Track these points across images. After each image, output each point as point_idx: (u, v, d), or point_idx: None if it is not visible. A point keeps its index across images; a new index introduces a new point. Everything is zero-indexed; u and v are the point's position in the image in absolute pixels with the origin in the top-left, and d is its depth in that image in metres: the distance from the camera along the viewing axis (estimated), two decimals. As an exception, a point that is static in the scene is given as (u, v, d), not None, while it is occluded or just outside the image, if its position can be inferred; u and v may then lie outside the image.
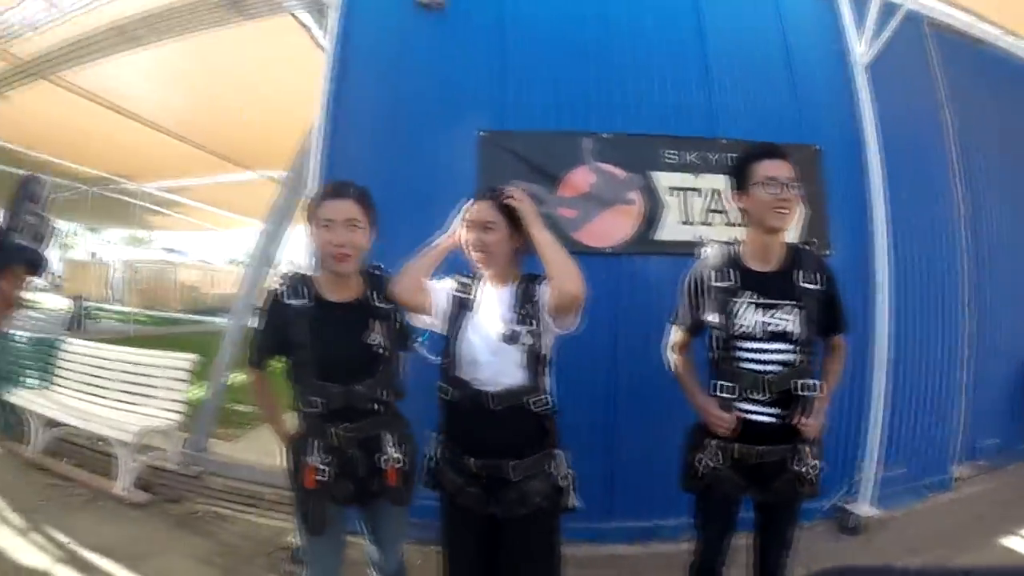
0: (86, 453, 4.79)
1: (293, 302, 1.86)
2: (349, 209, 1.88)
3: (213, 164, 9.87)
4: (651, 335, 2.55)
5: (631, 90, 3.63)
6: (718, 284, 2.05)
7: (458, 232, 2.05)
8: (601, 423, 3.37)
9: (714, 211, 3.53)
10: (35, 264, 0.93)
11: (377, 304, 1.96)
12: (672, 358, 2.29)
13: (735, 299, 2.01)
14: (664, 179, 3.50)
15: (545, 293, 1.90)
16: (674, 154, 3.54)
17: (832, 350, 2.16)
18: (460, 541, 2.01)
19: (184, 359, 4.58)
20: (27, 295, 0.97)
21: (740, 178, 2.06)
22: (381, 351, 1.92)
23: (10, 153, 9.28)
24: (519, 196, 1.96)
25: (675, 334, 2.27)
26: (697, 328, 2.17)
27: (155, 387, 4.65)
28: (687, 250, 3.25)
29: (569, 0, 3.80)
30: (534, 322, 1.89)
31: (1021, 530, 3.43)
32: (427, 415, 2.07)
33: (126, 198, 13.52)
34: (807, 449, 1.99)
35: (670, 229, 3.48)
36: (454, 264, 2.12)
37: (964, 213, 4.27)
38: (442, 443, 2.01)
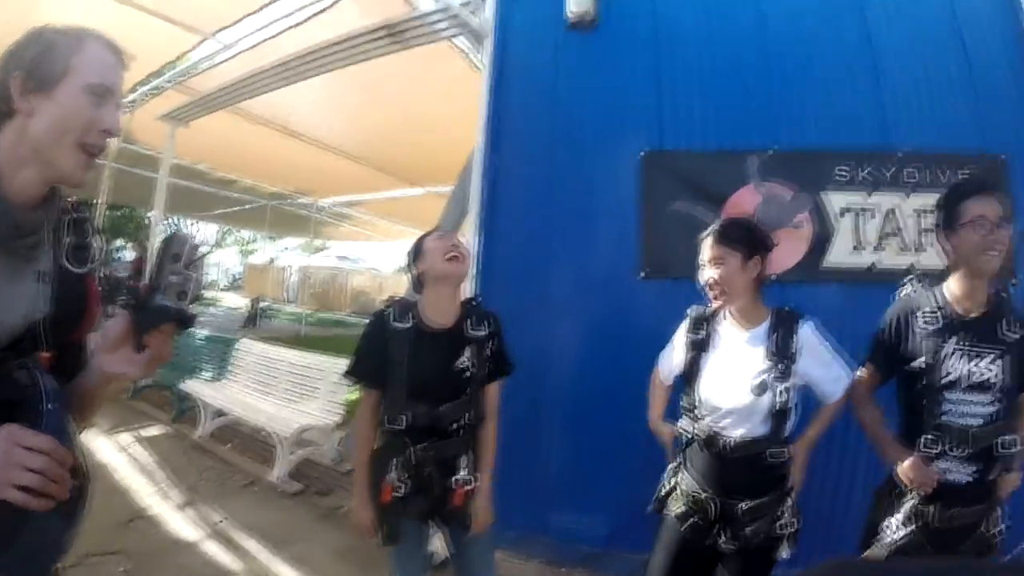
0: (249, 442, 5.25)
1: (398, 324, 1.97)
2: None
3: (383, 181, 10.63)
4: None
5: (795, 102, 3.37)
6: (926, 327, 1.85)
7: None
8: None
9: (888, 234, 3.17)
10: (180, 321, 0.99)
11: (470, 332, 2.01)
12: (859, 404, 2.06)
13: (944, 345, 1.81)
14: (835, 199, 3.21)
15: (805, 343, 1.87)
16: (845, 171, 3.23)
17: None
18: (668, 565, 2.00)
19: (347, 364, 4.85)
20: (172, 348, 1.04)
21: (947, 217, 1.86)
22: (468, 375, 1.98)
23: (196, 172, 10.59)
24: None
25: (864, 376, 2.04)
26: (891, 373, 1.98)
27: (317, 388, 5.03)
28: (859, 278, 3.12)
29: (725, 10, 3.59)
30: (789, 376, 1.84)
31: None
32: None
33: (303, 211, 14.85)
34: (998, 511, 1.81)
35: (841, 255, 3.18)
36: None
37: None
38: (678, 472, 2.03)
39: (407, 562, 2.06)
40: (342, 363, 4.76)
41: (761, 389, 1.82)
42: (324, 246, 30.72)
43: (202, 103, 6.53)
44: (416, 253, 2.07)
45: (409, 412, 1.91)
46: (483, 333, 2.02)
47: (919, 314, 1.87)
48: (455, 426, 1.95)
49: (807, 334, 1.89)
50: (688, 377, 2.01)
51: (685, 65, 3.52)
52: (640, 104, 3.53)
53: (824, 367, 1.91)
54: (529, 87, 3.78)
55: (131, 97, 7.07)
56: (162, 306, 0.96)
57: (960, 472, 1.77)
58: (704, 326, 2.02)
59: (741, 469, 1.85)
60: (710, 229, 1.99)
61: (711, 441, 1.89)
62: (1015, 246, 2.94)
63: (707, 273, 1.94)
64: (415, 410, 1.91)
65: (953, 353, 1.79)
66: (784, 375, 1.83)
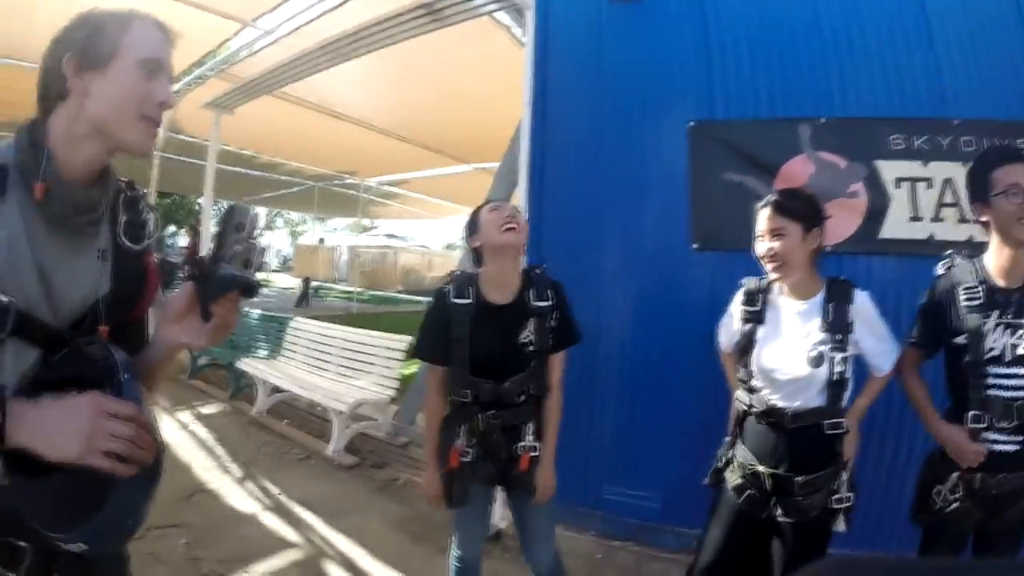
0: (304, 417, 5.41)
1: (458, 301, 1.98)
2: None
3: (429, 159, 10.65)
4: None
5: (848, 69, 3.21)
6: (968, 303, 1.82)
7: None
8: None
9: (946, 205, 3.02)
10: (246, 289, 1.00)
11: (533, 303, 2.01)
12: (905, 378, 2.04)
13: (986, 319, 1.78)
14: (889, 168, 3.07)
15: (860, 313, 1.84)
16: (900, 139, 3.08)
17: None
18: (723, 536, 2.00)
19: (400, 340, 4.99)
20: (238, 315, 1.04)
21: (979, 188, 1.81)
22: (531, 349, 1.99)
23: (243, 157, 10.80)
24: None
25: (909, 351, 2.01)
26: (936, 348, 1.95)
27: (372, 364, 5.14)
28: (916, 250, 2.99)
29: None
30: (846, 346, 1.82)
31: None
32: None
33: (350, 192, 15.01)
34: None
35: (897, 226, 3.05)
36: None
37: None
38: (735, 445, 2.03)
39: (470, 527, 2.12)
40: (394, 339, 4.92)
41: (818, 360, 1.80)
42: (372, 225, 31.08)
43: (245, 89, 6.62)
44: (473, 226, 2.07)
45: (474, 387, 1.95)
46: (546, 304, 2.01)
47: (961, 289, 1.84)
48: (521, 397, 1.99)
49: (862, 304, 1.86)
50: (744, 350, 2.00)
51: (733, 32, 3.39)
52: (688, 73, 3.43)
53: (877, 338, 1.89)
54: (574, 59, 3.72)
55: (175, 87, 7.15)
56: (228, 274, 0.98)
57: (1007, 442, 1.77)
58: (759, 298, 1.99)
59: (798, 441, 1.84)
60: (767, 199, 1.94)
61: (768, 413, 1.89)
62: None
63: (765, 245, 1.89)
64: (480, 385, 1.95)
65: (996, 328, 1.77)
66: (840, 345, 1.81)
